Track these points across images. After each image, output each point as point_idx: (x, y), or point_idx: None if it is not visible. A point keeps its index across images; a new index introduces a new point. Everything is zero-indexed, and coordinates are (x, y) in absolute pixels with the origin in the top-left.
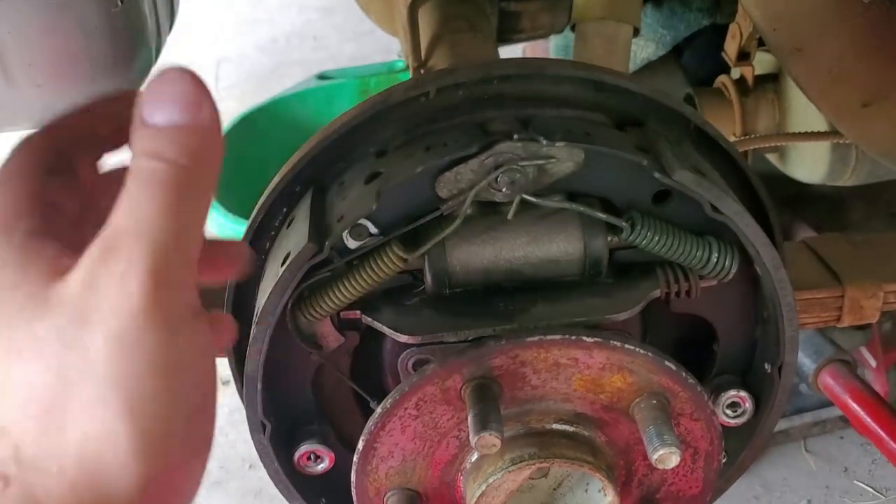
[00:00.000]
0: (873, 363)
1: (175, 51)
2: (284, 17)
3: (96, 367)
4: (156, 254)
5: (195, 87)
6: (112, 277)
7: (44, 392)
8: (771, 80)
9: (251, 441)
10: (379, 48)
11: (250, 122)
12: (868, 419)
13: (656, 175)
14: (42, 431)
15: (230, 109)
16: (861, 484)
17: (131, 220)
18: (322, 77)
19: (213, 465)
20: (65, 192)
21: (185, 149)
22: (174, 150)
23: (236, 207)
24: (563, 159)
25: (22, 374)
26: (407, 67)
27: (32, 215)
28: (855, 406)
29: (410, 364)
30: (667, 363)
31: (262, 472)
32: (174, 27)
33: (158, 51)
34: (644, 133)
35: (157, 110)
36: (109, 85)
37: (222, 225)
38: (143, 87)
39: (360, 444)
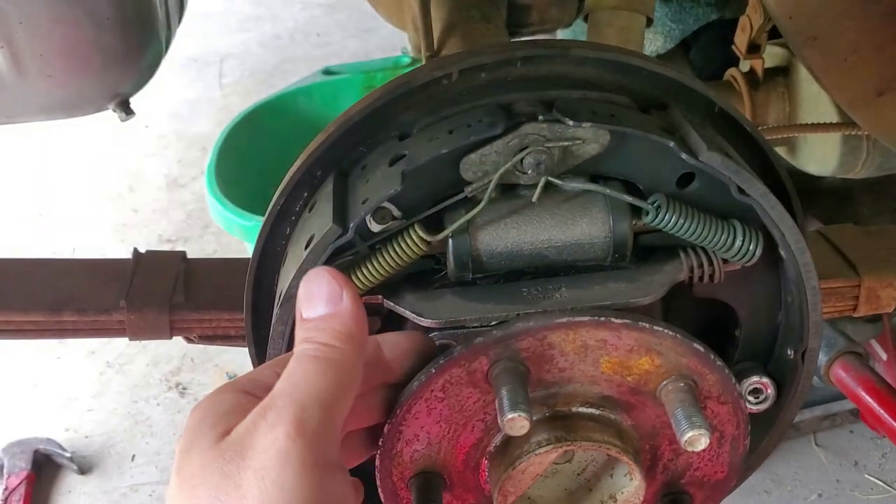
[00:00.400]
0: (884, 356)
1: (181, 47)
2: (288, 14)
3: (247, 497)
4: (302, 408)
5: (335, 282)
6: (266, 424)
7: None
8: (781, 74)
9: None
10: (382, 45)
11: (256, 116)
12: (881, 411)
13: (683, 156)
14: None
15: (234, 105)
16: (871, 478)
17: (287, 385)
18: (327, 72)
19: None
20: None
21: (331, 332)
22: (323, 334)
23: (242, 202)
24: (589, 141)
25: (190, 497)
26: (413, 62)
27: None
28: (868, 398)
29: None
30: (695, 345)
31: None
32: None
33: (168, 43)
34: (668, 116)
35: (309, 307)
36: (119, 76)
37: (228, 219)
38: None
39: (386, 428)
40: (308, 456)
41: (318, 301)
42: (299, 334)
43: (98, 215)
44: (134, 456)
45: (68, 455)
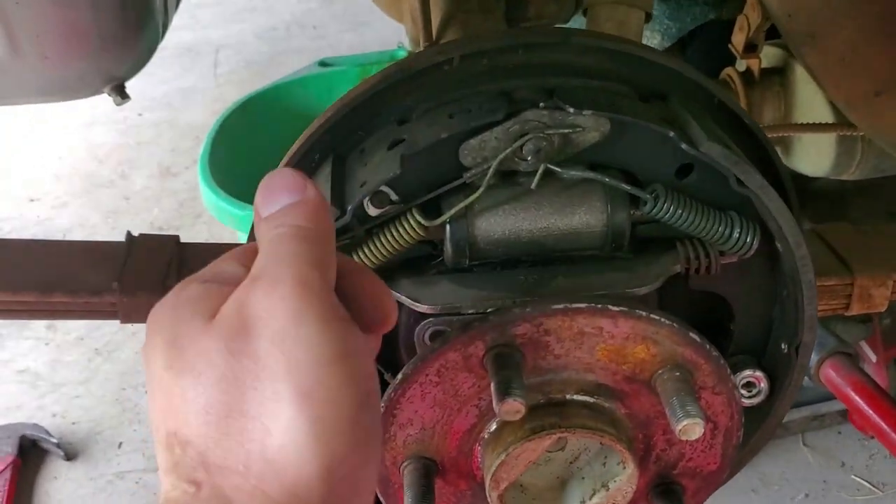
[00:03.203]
0: (874, 358)
1: (175, 36)
2: (284, 6)
3: (267, 366)
4: (300, 269)
5: (296, 175)
6: (262, 293)
7: (220, 399)
8: (777, 74)
9: None
10: (378, 38)
11: (251, 107)
12: (870, 411)
13: (683, 146)
14: (224, 435)
15: (228, 96)
16: (858, 479)
17: (271, 258)
18: (323, 64)
19: None
20: None
21: (303, 215)
22: (295, 218)
23: (236, 191)
24: (590, 129)
25: (194, 386)
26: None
27: None
28: (857, 399)
29: (427, 335)
30: (692, 335)
31: None
32: (180, 6)
33: (165, 27)
34: (668, 106)
35: (272, 202)
36: (116, 59)
37: (221, 208)
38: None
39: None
40: (322, 310)
41: (281, 193)
42: (262, 231)
43: (90, 202)
44: (121, 443)
45: (55, 441)
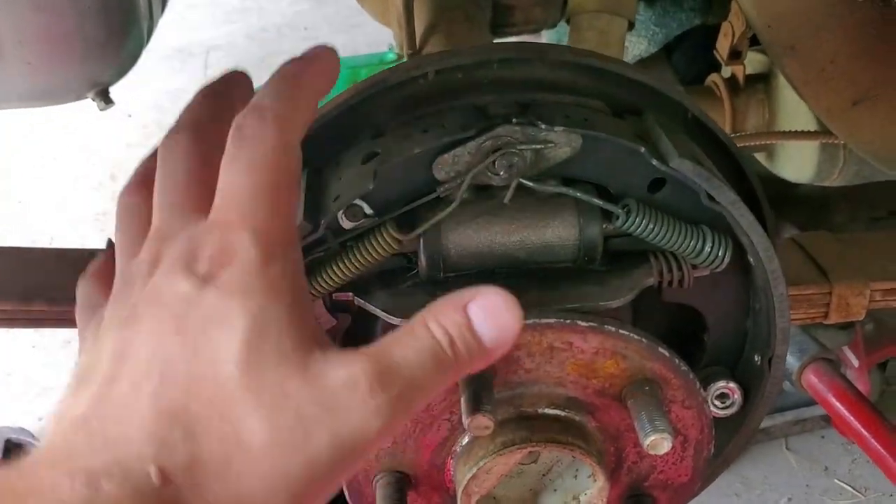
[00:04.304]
0: (856, 363)
1: (165, 38)
2: (275, 7)
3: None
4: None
5: None
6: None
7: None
8: (761, 80)
9: None
10: (369, 40)
11: None
12: (851, 418)
13: (654, 162)
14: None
15: None
16: (841, 483)
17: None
18: None
19: None
20: None
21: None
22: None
23: None
24: (561, 144)
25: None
26: (398, 59)
27: None
28: (838, 405)
29: None
30: (660, 350)
31: None
32: (166, 10)
33: (150, 32)
34: (642, 121)
35: None
36: (100, 65)
37: None
38: None
39: None
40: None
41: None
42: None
43: (78, 204)
44: None
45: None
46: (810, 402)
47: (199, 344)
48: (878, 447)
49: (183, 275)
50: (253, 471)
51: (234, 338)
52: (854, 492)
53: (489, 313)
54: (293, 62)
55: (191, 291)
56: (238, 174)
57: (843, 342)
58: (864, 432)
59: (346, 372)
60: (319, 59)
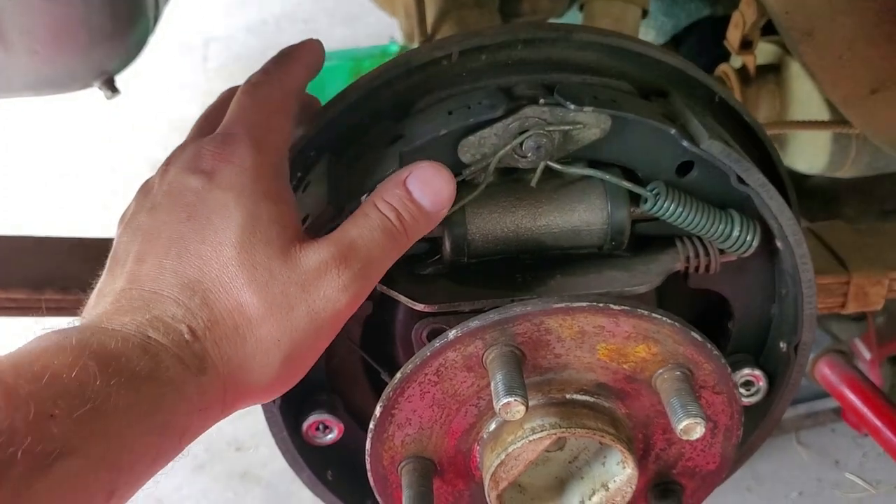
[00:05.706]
0: (867, 355)
1: (165, 29)
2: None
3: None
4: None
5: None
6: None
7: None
8: (772, 71)
9: (237, 423)
10: (370, 33)
11: None
12: (865, 409)
13: (684, 144)
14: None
15: (218, 89)
16: (852, 476)
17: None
18: None
19: (197, 449)
20: None
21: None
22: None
23: None
24: (590, 125)
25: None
26: (402, 50)
27: None
28: (852, 396)
29: (425, 334)
30: (693, 334)
31: (248, 455)
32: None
33: (156, 21)
34: (669, 103)
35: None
36: (106, 53)
37: None
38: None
39: (378, 410)
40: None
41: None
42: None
43: (78, 196)
44: None
45: None
46: (821, 395)
47: (205, 229)
48: (893, 437)
49: (191, 171)
50: (252, 335)
51: (232, 225)
52: (865, 485)
53: (424, 182)
54: (287, 47)
55: (199, 185)
56: (245, 103)
57: (855, 334)
58: (878, 423)
59: (317, 256)
60: (306, 43)
